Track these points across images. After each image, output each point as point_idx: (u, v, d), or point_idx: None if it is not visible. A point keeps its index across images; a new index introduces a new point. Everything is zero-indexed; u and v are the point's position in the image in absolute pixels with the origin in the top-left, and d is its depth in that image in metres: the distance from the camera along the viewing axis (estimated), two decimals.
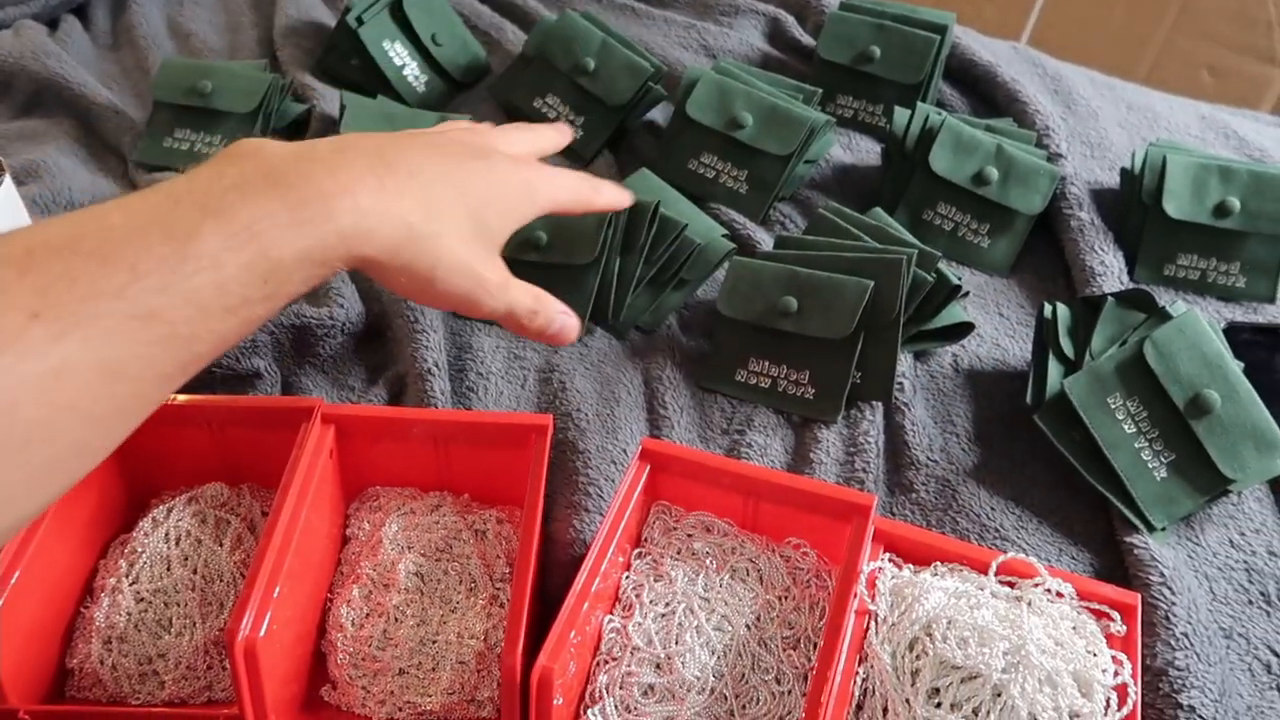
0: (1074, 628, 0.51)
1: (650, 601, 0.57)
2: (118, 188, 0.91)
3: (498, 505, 0.64)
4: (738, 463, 0.60)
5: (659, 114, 1.00)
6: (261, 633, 0.50)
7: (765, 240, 0.85)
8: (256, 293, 0.39)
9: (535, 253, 0.78)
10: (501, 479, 0.63)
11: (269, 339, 0.72)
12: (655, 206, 0.78)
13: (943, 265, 0.74)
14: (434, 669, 0.56)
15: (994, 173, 0.84)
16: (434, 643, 0.57)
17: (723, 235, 0.82)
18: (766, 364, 0.74)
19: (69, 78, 0.98)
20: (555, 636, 0.51)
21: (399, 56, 1.01)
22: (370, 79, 1.00)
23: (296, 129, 0.95)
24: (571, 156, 0.95)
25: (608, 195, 0.56)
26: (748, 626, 0.56)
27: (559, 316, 0.52)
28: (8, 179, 0.63)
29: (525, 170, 0.51)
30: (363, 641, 0.57)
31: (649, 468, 0.60)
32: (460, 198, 0.47)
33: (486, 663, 0.56)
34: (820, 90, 0.93)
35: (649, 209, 0.78)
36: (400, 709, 0.55)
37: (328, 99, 0.97)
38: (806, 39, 1.09)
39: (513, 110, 0.99)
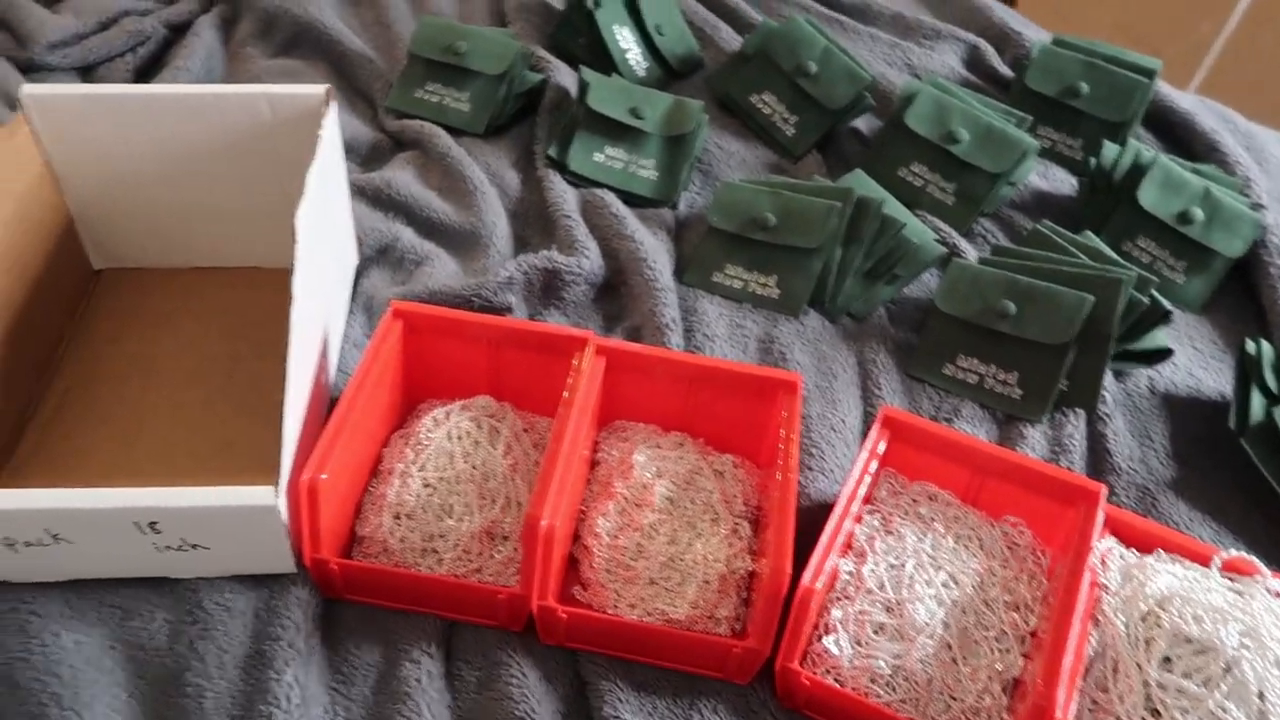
0: None
1: (882, 552, 0.63)
2: (369, 130, 0.99)
3: (732, 452, 0.70)
4: (973, 438, 0.65)
5: (862, 122, 1.06)
6: (557, 525, 0.56)
7: (969, 250, 0.90)
8: None
9: (763, 232, 0.84)
10: (739, 428, 0.69)
11: (523, 278, 0.79)
12: (880, 204, 0.84)
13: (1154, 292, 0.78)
14: (681, 583, 0.62)
15: (1199, 214, 0.88)
16: (683, 560, 0.62)
17: (935, 240, 0.88)
18: (975, 361, 0.79)
19: (327, 24, 1.07)
20: (815, 565, 0.57)
21: (625, 41, 1.08)
22: (595, 58, 1.07)
23: (532, 96, 1.03)
24: (782, 152, 1.01)
25: None
26: (973, 587, 0.61)
27: None
28: (334, 107, 0.70)
29: None
30: (618, 550, 0.63)
31: (888, 434, 0.65)
32: None
33: (727, 585, 0.62)
34: (1031, 118, 0.98)
35: (875, 205, 0.83)
36: (649, 614, 0.61)
37: (560, 71, 1.05)
38: (1004, 69, 1.13)
39: (729, 103, 1.05)
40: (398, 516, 0.63)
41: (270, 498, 0.54)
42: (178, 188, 0.73)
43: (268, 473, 0.55)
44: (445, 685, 0.58)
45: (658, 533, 0.64)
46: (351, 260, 0.80)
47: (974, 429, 0.75)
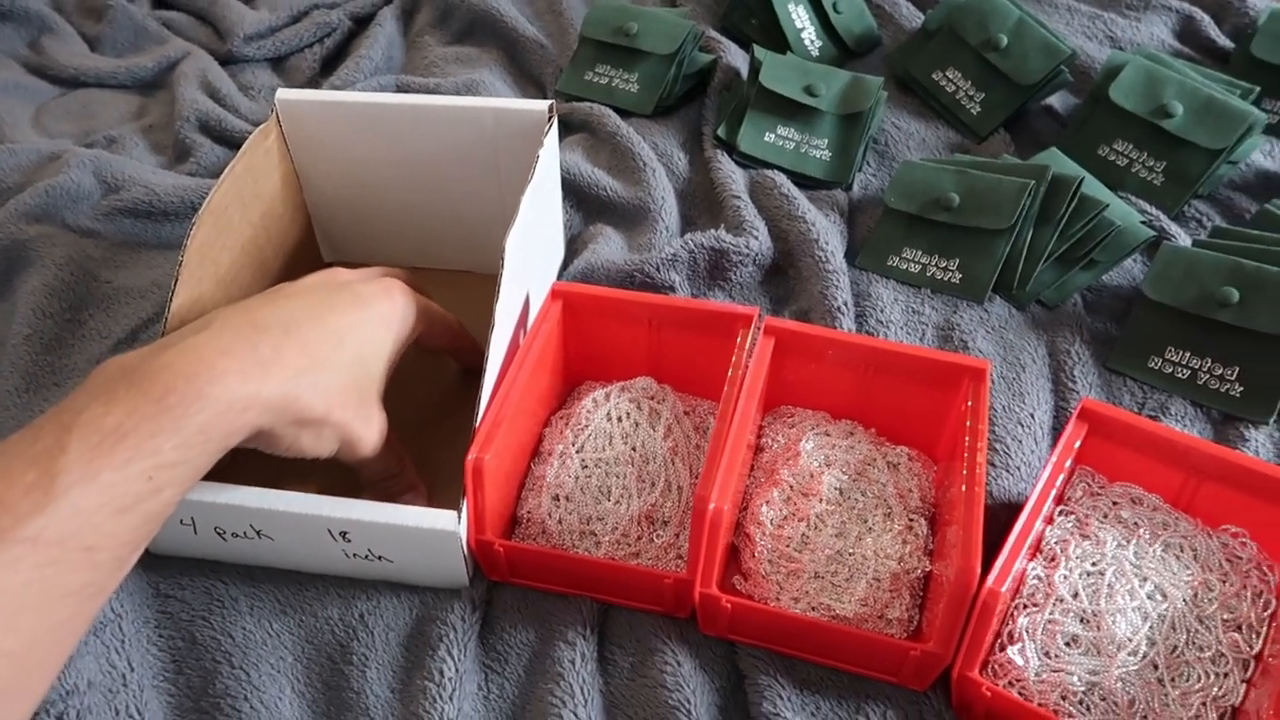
0: None
1: (1077, 558, 0.57)
2: None
3: (906, 444, 0.65)
4: (1188, 435, 0.58)
5: (1056, 100, 0.98)
6: (725, 509, 0.54)
7: (1180, 235, 0.81)
8: (143, 488, 0.39)
9: (945, 213, 0.79)
10: (916, 418, 0.64)
11: (687, 257, 0.77)
12: (1079, 182, 0.77)
13: None
14: (849, 579, 0.58)
15: None
16: (851, 555, 0.58)
17: (1141, 223, 0.80)
18: (1187, 354, 0.71)
19: (503, 11, 1.08)
20: (1002, 567, 0.52)
21: (800, 19, 1.04)
22: (767, 38, 1.04)
23: (701, 78, 1.00)
24: (966, 132, 0.95)
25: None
26: (1184, 601, 0.54)
27: (408, 493, 0.60)
28: (555, 122, 0.68)
29: (386, 299, 0.55)
30: (782, 541, 0.59)
31: (1086, 428, 0.59)
32: (337, 342, 0.50)
33: (899, 585, 0.58)
34: (1259, 89, 0.88)
35: (1072, 183, 0.76)
36: (814, 609, 0.57)
37: (731, 52, 1.02)
38: (1223, 41, 1.03)
39: (909, 81, 1.00)
40: (556, 498, 0.62)
41: (453, 523, 0.54)
42: (404, 192, 0.76)
43: (457, 493, 0.55)
44: (598, 668, 0.57)
45: (825, 524, 0.60)
46: (557, 256, 0.80)
47: (1184, 429, 0.67)
